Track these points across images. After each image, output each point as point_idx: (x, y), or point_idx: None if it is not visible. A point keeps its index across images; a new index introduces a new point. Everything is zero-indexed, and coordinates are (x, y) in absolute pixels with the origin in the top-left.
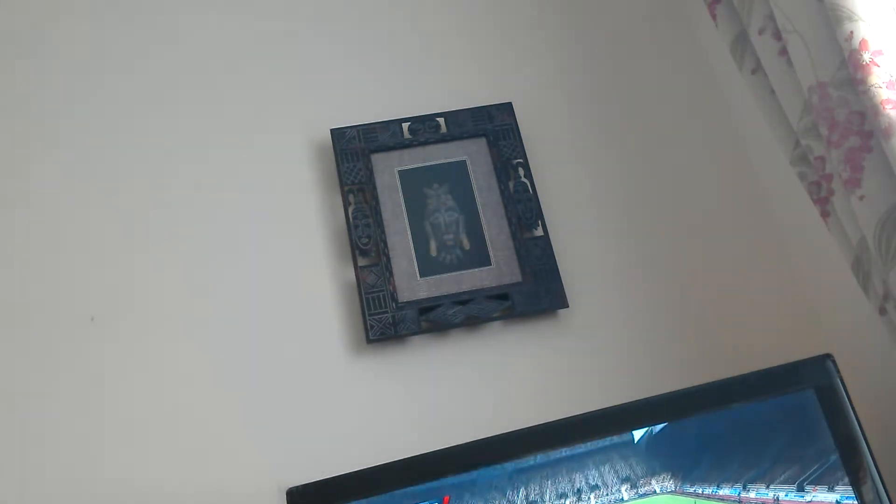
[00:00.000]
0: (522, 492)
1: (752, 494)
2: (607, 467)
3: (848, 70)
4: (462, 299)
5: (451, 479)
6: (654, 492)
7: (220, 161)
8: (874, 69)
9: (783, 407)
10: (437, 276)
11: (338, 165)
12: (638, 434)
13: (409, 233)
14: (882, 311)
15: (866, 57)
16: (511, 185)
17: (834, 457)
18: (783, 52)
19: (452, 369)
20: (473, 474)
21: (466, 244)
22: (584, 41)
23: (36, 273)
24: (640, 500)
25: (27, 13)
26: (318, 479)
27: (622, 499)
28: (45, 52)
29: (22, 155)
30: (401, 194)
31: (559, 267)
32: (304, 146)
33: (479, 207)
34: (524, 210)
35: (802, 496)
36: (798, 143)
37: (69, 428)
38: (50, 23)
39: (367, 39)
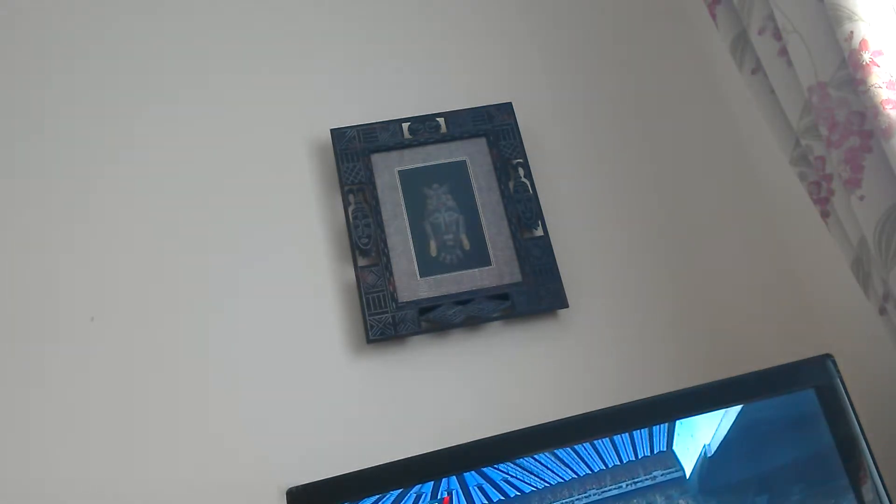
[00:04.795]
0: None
1: None
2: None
3: (848, 70)
4: (462, 299)
5: (450, 479)
6: None
7: (221, 161)
8: (874, 69)
9: (783, 407)
10: (437, 276)
11: (338, 165)
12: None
13: (409, 233)
14: (882, 311)
15: (866, 57)
16: (511, 185)
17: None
18: (783, 52)
19: (452, 369)
20: (473, 474)
21: (466, 244)
22: (584, 41)
23: (36, 273)
24: None
25: (26, 9)
26: (318, 479)
27: None
28: (44, 48)
29: (21, 154)
30: (401, 194)
31: (559, 267)
32: (304, 146)
33: (479, 207)
34: (524, 210)
35: None
36: (798, 143)
37: (69, 428)
38: (48, 18)
39: (366, 39)
